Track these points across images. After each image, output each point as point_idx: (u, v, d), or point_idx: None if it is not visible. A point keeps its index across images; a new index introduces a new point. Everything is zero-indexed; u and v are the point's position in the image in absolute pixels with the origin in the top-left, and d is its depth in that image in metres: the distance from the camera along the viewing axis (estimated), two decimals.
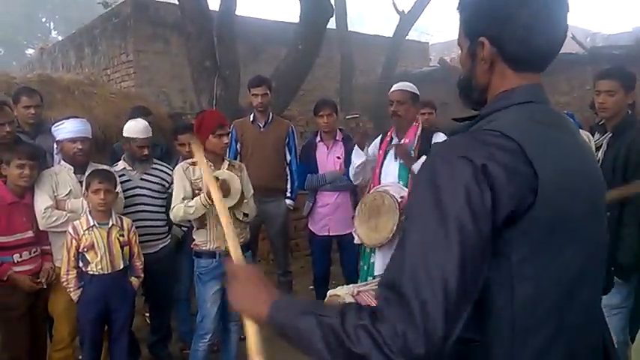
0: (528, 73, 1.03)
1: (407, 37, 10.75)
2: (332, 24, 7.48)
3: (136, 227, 3.18)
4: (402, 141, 3.14)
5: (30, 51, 20.13)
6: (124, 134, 3.41)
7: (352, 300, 1.79)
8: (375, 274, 2.93)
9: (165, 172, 3.51)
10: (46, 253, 3.03)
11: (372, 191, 3.03)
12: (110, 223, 2.96)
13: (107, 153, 4.37)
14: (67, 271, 2.88)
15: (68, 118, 3.15)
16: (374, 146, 3.43)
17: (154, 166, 3.51)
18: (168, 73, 8.14)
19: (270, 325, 0.97)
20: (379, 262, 2.95)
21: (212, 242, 3.06)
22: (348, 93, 9.37)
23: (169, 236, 3.56)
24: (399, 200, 2.75)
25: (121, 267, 2.97)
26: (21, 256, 2.88)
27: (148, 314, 4.03)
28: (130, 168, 3.40)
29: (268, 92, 4.12)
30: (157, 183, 3.46)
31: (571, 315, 0.95)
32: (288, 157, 4.17)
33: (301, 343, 0.92)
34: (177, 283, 3.73)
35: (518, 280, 0.90)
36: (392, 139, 3.21)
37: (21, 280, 2.85)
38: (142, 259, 3.11)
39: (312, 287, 4.33)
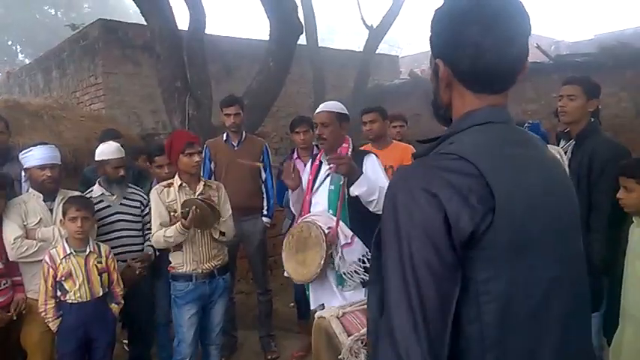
0: (487, 95, 1.04)
1: (377, 51, 10.92)
2: (302, 40, 7.54)
3: (117, 253, 3.15)
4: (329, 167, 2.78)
5: None
6: (97, 158, 3.35)
7: (338, 323, 1.77)
8: (311, 308, 2.80)
9: (140, 196, 3.47)
10: (17, 284, 2.95)
11: (299, 221, 2.75)
12: (87, 250, 2.91)
13: (78, 177, 4.30)
14: (45, 301, 2.82)
15: (36, 144, 3.09)
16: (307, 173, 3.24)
17: (130, 190, 3.46)
18: (138, 94, 8.07)
19: None
20: (312, 296, 2.80)
21: (188, 264, 3.03)
22: None
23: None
24: (327, 232, 2.52)
25: (100, 294, 2.91)
26: None
27: (126, 342, 3.94)
28: (109, 193, 3.33)
29: (240, 112, 4.12)
30: (136, 207, 3.41)
31: (547, 327, 0.95)
32: (263, 175, 4.16)
33: None
34: (156, 308, 3.67)
35: (484, 297, 0.91)
36: (321, 163, 2.90)
37: None
38: (122, 286, 3.06)
39: (292, 305, 4.30)
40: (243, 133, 4.21)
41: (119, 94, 8.00)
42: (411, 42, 33.14)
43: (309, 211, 2.80)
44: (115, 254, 3.11)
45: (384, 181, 2.63)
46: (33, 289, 2.91)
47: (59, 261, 2.83)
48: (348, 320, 1.77)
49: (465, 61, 1.00)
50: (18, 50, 23.52)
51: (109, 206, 3.31)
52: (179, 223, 2.90)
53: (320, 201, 2.78)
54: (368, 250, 2.48)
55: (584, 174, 2.60)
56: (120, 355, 3.79)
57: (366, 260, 2.49)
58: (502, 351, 0.92)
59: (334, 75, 10.22)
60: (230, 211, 3.21)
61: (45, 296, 2.82)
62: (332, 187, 2.73)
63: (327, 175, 2.79)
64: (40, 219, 2.98)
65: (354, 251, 2.53)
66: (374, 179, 2.61)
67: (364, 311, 1.80)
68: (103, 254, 2.97)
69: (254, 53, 7.45)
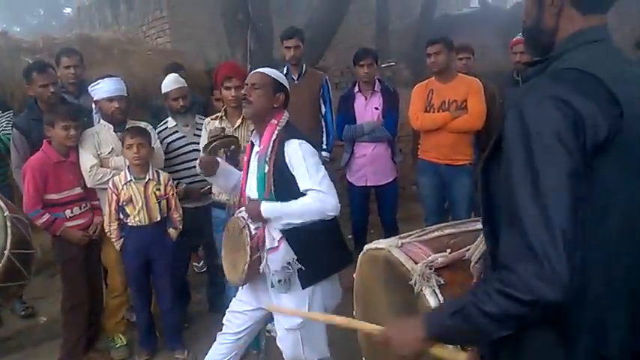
0: (594, 15, 1.09)
1: None
2: None
3: (194, 182, 3.35)
4: (258, 147, 2.37)
5: (68, 10, 20.36)
6: (162, 91, 3.47)
7: (399, 252, 1.79)
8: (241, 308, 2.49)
9: None
10: (95, 208, 3.20)
11: (236, 213, 2.39)
12: (147, 178, 3.08)
13: (147, 110, 4.48)
14: (110, 223, 3.07)
15: (103, 77, 3.22)
16: None
17: (200, 120, 3.52)
18: (202, 27, 8.11)
19: (430, 337, 1.12)
20: (250, 295, 2.46)
21: (223, 193, 3.13)
22: (384, 40, 9.13)
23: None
24: (254, 233, 2.23)
25: (159, 219, 3.11)
26: (72, 212, 3.05)
27: (196, 264, 4.25)
28: (183, 125, 3.45)
29: (301, 44, 4.08)
30: None
31: None
32: (323, 109, 4.15)
33: (457, 336, 1.10)
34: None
35: (610, 206, 0.98)
36: (252, 143, 2.48)
37: (72, 233, 3.03)
38: (180, 212, 3.23)
39: (350, 237, 4.41)
40: (304, 66, 4.19)
41: (184, 28, 8.09)
42: None
43: (246, 198, 2.40)
44: (190, 183, 3.33)
45: (305, 175, 2.17)
46: None
47: (120, 187, 3.03)
48: (409, 250, 1.79)
49: None
50: None
51: (183, 136, 3.43)
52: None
53: (252, 187, 2.37)
54: (295, 255, 2.21)
55: None
56: (191, 275, 4.08)
57: (291, 267, 2.21)
58: (627, 253, 1.00)
59: (399, 4, 9.77)
60: None
61: (109, 219, 3.06)
62: (258, 175, 2.30)
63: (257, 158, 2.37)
64: (112, 148, 3.17)
65: (278, 257, 2.21)
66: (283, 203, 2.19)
67: (424, 242, 1.81)
68: (162, 182, 3.14)
69: None
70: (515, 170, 0.97)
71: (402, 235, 1.94)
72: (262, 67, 2.53)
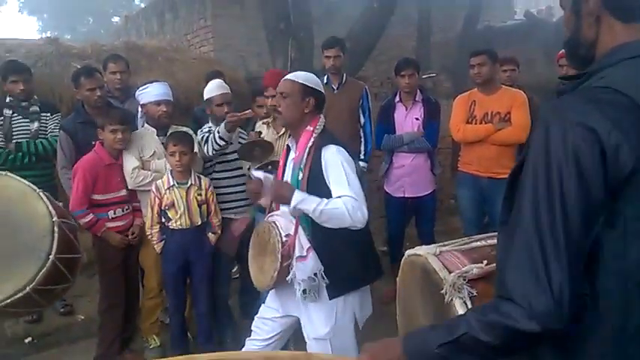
0: (638, 24, 1.00)
1: None
2: None
3: (239, 191, 3.34)
4: (294, 153, 2.34)
5: (116, 19, 21.13)
6: (205, 97, 3.41)
7: (436, 260, 1.75)
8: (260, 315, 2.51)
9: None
10: (137, 209, 3.26)
11: (266, 218, 2.36)
12: (189, 183, 3.12)
13: (189, 116, 4.56)
14: (152, 226, 3.12)
15: (151, 82, 3.30)
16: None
17: (240, 130, 3.47)
18: (244, 37, 8.25)
19: (408, 356, 1.08)
20: (277, 302, 2.44)
21: None
22: (425, 52, 9.05)
23: None
24: (284, 240, 2.17)
25: (199, 223, 3.15)
26: (115, 213, 3.12)
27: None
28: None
29: (341, 54, 4.08)
30: None
31: None
32: (362, 119, 4.13)
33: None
34: None
35: (633, 236, 0.91)
36: (289, 147, 2.43)
37: (112, 236, 3.10)
38: (220, 217, 3.26)
39: (384, 248, 4.34)
40: (344, 75, 4.18)
41: (226, 37, 8.24)
42: None
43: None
44: (235, 192, 3.35)
45: (342, 181, 2.12)
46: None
47: (164, 191, 3.08)
48: (446, 258, 1.74)
49: None
50: None
51: (230, 144, 3.36)
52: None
53: None
54: (322, 266, 2.17)
55: None
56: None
57: (316, 279, 2.17)
58: None
59: (441, 16, 9.68)
60: None
61: (151, 222, 3.11)
62: (292, 181, 2.26)
63: (292, 165, 2.34)
64: (154, 152, 3.23)
65: (306, 267, 2.16)
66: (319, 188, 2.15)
67: (463, 251, 1.77)
68: (203, 187, 3.17)
69: None
70: (531, 191, 0.96)
71: (444, 243, 1.89)
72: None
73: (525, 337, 0.92)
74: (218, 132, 3.06)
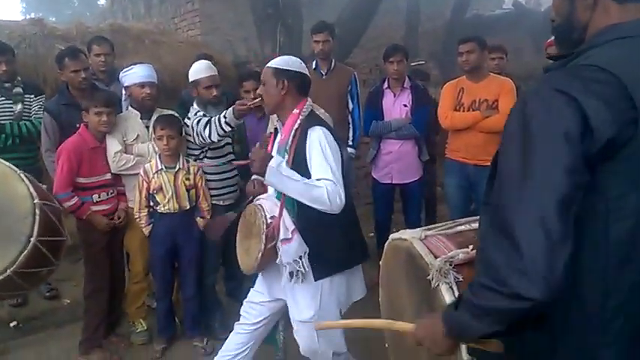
0: (633, 4, 1.00)
1: None
2: None
3: (228, 178, 3.32)
4: (280, 136, 2.37)
5: (102, 1, 20.70)
6: (190, 79, 3.24)
7: (421, 244, 1.75)
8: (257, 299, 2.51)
9: None
10: (121, 194, 3.23)
11: (255, 201, 2.38)
12: (177, 167, 3.10)
13: (175, 100, 4.51)
14: (139, 209, 3.11)
15: (135, 63, 3.24)
16: None
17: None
18: (232, 21, 8.16)
19: (451, 334, 1.09)
20: (264, 285, 2.48)
21: None
22: (413, 40, 9.05)
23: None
24: (269, 222, 2.18)
25: (187, 207, 3.14)
26: (99, 196, 3.09)
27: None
28: (208, 115, 3.26)
29: (330, 39, 4.05)
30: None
31: None
32: (351, 105, 4.12)
33: (470, 330, 1.03)
34: None
35: (615, 215, 0.91)
36: (276, 130, 2.45)
37: (98, 219, 3.07)
38: (209, 202, 3.24)
39: (372, 234, 4.37)
40: (333, 61, 4.16)
41: (214, 21, 8.15)
42: None
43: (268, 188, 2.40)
44: (224, 178, 3.30)
45: (323, 164, 2.13)
46: (133, 200, 3.17)
47: (151, 175, 3.06)
48: (431, 243, 1.74)
49: None
50: None
51: (235, 129, 3.24)
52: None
53: None
54: (307, 248, 2.20)
55: None
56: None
57: (301, 261, 2.19)
58: (633, 269, 0.93)
59: (429, 4, 9.66)
60: None
61: (139, 205, 3.10)
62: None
63: (277, 147, 2.36)
64: (138, 135, 3.19)
65: (291, 249, 2.18)
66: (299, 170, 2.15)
67: (448, 236, 1.77)
68: (191, 171, 3.16)
69: None
70: (508, 161, 0.94)
71: (428, 227, 1.88)
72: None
73: (514, 314, 0.93)
74: (225, 117, 2.94)
